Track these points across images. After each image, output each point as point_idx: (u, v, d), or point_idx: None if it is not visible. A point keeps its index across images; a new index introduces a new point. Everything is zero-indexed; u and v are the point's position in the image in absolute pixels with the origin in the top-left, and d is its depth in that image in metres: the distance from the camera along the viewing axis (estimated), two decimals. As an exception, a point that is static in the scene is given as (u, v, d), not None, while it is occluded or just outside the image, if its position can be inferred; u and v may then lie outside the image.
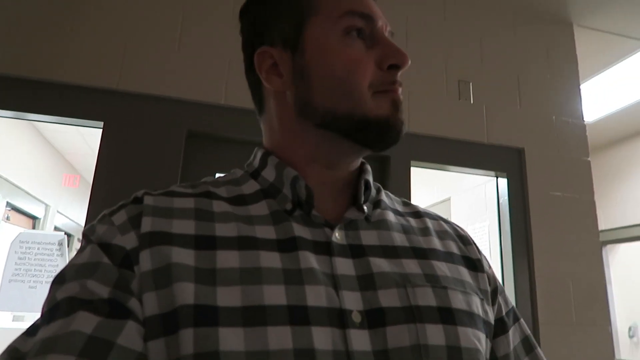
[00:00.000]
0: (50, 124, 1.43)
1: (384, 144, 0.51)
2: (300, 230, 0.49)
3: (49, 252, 1.56)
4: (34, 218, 4.28)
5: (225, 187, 0.54)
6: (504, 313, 0.57)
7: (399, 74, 0.52)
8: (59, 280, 0.43)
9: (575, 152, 1.96)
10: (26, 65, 1.49)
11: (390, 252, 0.51)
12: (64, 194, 4.16)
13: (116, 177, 1.49)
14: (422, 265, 0.51)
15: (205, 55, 1.65)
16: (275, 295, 0.43)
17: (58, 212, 4.27)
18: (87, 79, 1.53)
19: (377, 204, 0.57)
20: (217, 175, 1.70)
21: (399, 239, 0.53)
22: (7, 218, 3.74)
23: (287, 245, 0.47)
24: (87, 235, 0.47)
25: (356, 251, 0.49)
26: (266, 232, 0.48)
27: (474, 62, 1.95)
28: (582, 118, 2.03)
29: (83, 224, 1.41)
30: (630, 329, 3.21)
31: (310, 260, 0.46)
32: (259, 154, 0.56)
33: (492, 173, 1.89)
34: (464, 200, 2.77)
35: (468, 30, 1.99)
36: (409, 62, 0.51)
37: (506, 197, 1.86)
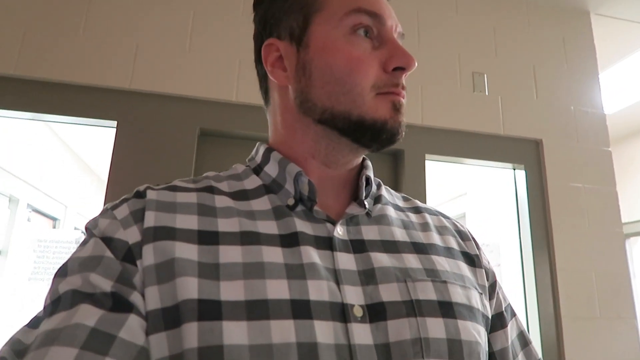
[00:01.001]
0: (65, 126, 1.44)
1: (379, 144, 0.51)
2: (302, 226, 0.49)
3: (67, 251, 1.58)
4: (53, 219, 4.36)
5: (227, 181, 0.54)
6: (503, 308, 0.57)
7: (404, 76, 0.51)
8: (62, 273, 0.43)
9: (596, 143, 1.91)
10: (39, 67, 1.51)
11: (391, 246, 0.51)
12: (81, 194, 4.22)
13: (130, 175, 1.50)
14: (422, 260, 0.51)
15: (216, 53, 1.64)
16: (278, 289, 0.43)
17: (77, 213, 4.33)
18: (100, 79, 1.54)
19: (377, 199, 0.57)
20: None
21: (400, 234, 0.53)
22: (28, 220, 3.82)
23: (289, 241, 0.47)
24: (90, 229, 0.47)
25: (357, 246, 0.50)
26: (268, 227, 0.48)
27: (488, 53, 1.91)
28: (602, 108, 1.97)
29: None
30: (655, 324, 3.12)
31: (312, 255, 0.46)
32: (262, 150, 0.57)
33: (510, 165, 1.86)
34: (481, 195, 2.72)
35: (481, 22, 1.95)
36: (415, 65, 0.51)
37: (525, 189, 1.82)
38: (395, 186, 1.71)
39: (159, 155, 1.53)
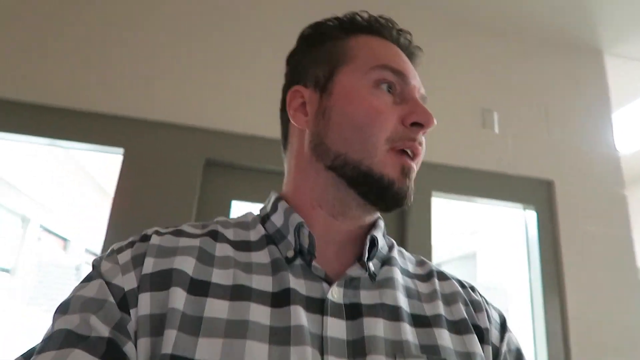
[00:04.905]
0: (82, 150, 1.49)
1: (385, 204, 0.50)
2: (295, 283, 0.47)
3: (69, 277, 1.55)
4: (64, 239, 4.40)
5: (234, 229, 0.54)
6: None
7: (422, 133, 0.51)
8: (63, 310, 0.43)
9: (610, 185, 1.85)
10: (51, 93, 1.54)
11: (390, 313, 0.48)
12: (95, 216, 4.25)
13: (134, 203, 1.50)
14: (420, 335, 0.48)
15: (224, 83, 1.66)
16: (257, 354, 0.41)
17: (89, 234, 4.36)
18: (109, 106, 1.56)
19: (387, 261, 0.54)
20: (234, 202, 1.65)
21: (402, 302, 0.50)
22: (38, 239, 3.85)
23: (280, 299, 0.45)
24: (96, 267, 0.47)
25: (352, 312, 0.47)
26: (263, 283, 0.47)
27: (499, 90, 1.90)
28: (615, 148, 1.93)
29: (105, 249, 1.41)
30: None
31: (301, 317, 0.44)
32: (272, 198, 0.56)
33: (520, 205, 1.81)
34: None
35: (492, 58, 1.94)
36: (434, 124, 0.51)
37: (535, 231, 1.76)
38: (400, 225, 1.67)
39: (164, 183, 1.53)
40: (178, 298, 0.43)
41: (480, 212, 2.82)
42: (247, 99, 1.66)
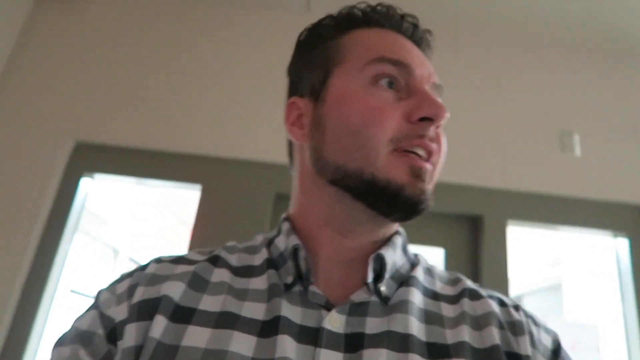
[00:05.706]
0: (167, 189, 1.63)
1: (399, 213, 0.43)
2: (288, 310, 0.42)
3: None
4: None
5: (239, 254, 0.51)
6: None
7: (432, 128, 0.44)
8: (59, 342, 0.44)
9: None
10: (136, 138, 1.69)
11: (399, 342, 0.41)
12: (177, 248, 4.50)
13: (211, 235, 1.58)
14: None
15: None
16: None
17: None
18: (187, 146, 1.68)
19: (406, 281, 0.47)
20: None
21: (416, 328, 0.43)
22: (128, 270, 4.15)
23: (268, 328, 0.41)
24: (96, 297, 0.47)
25: (353, 342, 0.41)
26: (254, 310, 0.43)
27: (579, 110, 1.79)
28: None
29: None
30: None
31: (288, 349, 0.39)
32: (281, 219, 0.53)
33: (609, 233, 1.66)
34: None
35: (569, 75, 1.84)
36: (446, 116, 0.44)
37: (628, 260, 1.61)
38: (474, 256, 1.60)
39: (238, 216, 1.60)
40: (158, 326, 0.41)
41: (565, 240, 2.62)
42: (314, 133, 1.70)
